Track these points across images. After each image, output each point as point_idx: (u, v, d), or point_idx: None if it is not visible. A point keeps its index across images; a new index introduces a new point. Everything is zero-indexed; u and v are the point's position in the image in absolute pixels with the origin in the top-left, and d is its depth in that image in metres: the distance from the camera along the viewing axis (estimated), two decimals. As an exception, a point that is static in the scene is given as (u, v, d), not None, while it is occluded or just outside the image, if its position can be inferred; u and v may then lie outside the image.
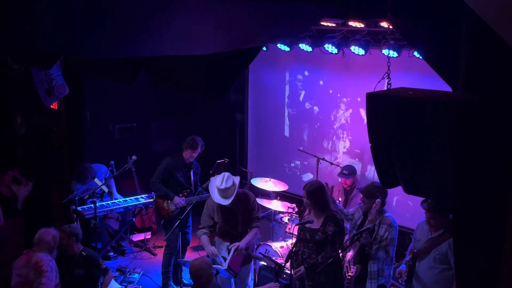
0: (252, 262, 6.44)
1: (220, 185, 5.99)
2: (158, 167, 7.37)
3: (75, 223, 7.22)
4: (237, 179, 6.12)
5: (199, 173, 7.65)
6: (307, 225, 5.62)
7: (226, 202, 6.01)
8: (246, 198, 6.22)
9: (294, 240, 6.29)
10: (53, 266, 5.47)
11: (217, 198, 6.05)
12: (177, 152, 7.44)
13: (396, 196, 7.75)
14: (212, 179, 6.25)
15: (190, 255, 8.06)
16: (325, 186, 5.78)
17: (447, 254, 5.09)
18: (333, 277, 5.62)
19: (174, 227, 6.82)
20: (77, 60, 6.66)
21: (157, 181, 7.30)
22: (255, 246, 6.76)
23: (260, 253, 6.53)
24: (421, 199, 5.44)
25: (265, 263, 6.80)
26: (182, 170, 7.39)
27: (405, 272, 5.43)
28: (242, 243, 6.00)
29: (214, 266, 5.50)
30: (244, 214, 6.16)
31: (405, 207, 7.72)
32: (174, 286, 7.53)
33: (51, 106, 7.76)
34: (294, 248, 5.69)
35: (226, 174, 6.10)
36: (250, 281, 6.40)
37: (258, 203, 6.43)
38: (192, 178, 7.46)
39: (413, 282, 5.38)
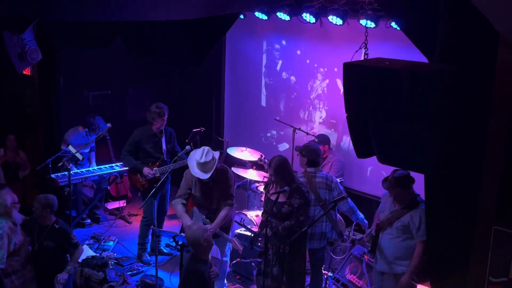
0: (231, 232, 6.47)
1: (200, 159, 5.92)
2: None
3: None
4: (216, 154, 6.05)
5: (174, 140, 7.56)
6: (272, 198, 5.62)
7: (205, 176, 5.96)
8: (224, 174, 6.17)
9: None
10: (3, 233, 5.45)
11: (196, 171, 5.97)
12: (145, 124, 7.33)
13: (370, 166, 7.82)
14: (191, 152, 6.17)
15: (167, 224, 8.07)
16: (287, 160, 5.78)
17: (409, 225, 5.22)
18: (297, 249, 5.66)
19: (148, 196, 6.67)
20: (51, 25, 6.53)
21: (125, 153, 7.29)
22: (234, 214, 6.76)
23: (235, 221, 6.55)
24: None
25: (240, 232, 6.86)
26: (152, 141, 7.30)
27: (372, 230, 5.56)
28: (212, 228, 5.94)
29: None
30: (220, 190, 6.14)
31: (379, 177, 7.79)
32: (148, 257, 7.48)
33: (24, 72, 7.62)
34: (263, 218, 5.74)
35: (206, 148, 6.02)
36: (228, 250, 6.44)
37: (234, 179, 6.38)
38: (164, 147, 7.37)
39: (377, 253, 5.51)
